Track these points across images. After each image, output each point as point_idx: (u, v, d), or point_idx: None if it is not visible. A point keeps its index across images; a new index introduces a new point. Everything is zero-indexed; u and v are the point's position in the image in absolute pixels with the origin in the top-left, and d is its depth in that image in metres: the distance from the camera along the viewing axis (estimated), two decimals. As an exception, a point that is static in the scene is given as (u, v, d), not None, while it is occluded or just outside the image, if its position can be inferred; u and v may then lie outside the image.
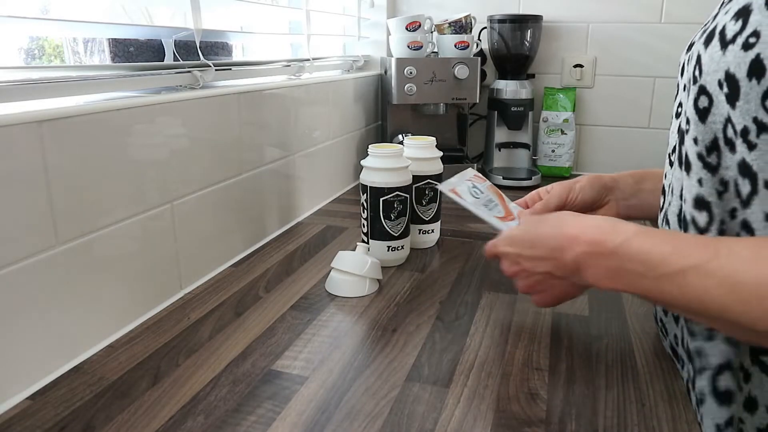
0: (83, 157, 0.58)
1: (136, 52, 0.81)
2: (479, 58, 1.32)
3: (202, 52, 0.79)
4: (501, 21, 1.40)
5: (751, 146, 0.42)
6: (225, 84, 0.86)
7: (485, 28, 1.45)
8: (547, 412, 0.50)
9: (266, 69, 1.01)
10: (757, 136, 0.41)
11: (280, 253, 0.88)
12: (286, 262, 0.85)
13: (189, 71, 0.79)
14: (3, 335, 0.51)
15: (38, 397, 0.52)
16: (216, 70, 0.82)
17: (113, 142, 0.61)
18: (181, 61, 0.80)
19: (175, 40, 0.83)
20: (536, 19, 1.40)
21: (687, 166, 0.49)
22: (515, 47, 1.40)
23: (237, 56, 1.13)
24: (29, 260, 0.53)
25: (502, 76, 1.46)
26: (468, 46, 1.31)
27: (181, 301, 0.72)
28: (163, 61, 0.83)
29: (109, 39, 0.78)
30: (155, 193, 0.68)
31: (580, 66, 1.46)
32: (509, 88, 1.42)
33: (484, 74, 1.49)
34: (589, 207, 0.70)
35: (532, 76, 1.49)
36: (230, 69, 0.90)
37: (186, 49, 0.84)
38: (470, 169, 0.77)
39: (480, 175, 0.76)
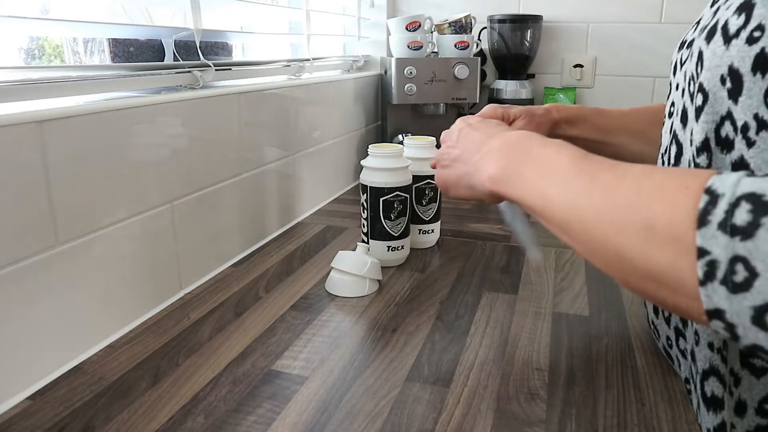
0: (83, 157, 0.58)
1: (136, 52, 0.81)
2: (479, 58, 1.32)
3: (202, 52, 0.79)
4: (501, 21, 1.40)
5: (750, 143, 0.42)
6: (225, 84, 0.86)
7: (485, 28, 1.45)
8: (547, 412, 0.50)
9: (266, 69, 1.01)
10: (757, 133, 0.41)
11: (280, 253, 0.88)
12: (286, 262, 0.85)
13: (189, 71, 0.79)
14: (3, 335, 0.51)
15: (38, 397, 0.52)
16: (216, 70, 0.82)
17: (113, 142, 0.61)
18: (181, 61, 0.80)
19: (175, 40, 0.83)
20: (536, 19, 1.40)
21: (683, 165, 0.49)
22: (515, 47, 1.40)
23: (237, 56, 1.13)
24: (29, 260, 0.53)
25: (502, 76, 1.46)
26: (468, 46, 1.31)
27: (181, 301, 0.72)
28: (163, 61, 0.83)
29: (109, 39, 0.78)
30: (155, 193, 0.68)
31: (580, 66, 1.46)
32: (509, 88, 1.42)
33: (484, 74, 1.49)
34: None
35: (532, 76, 1.49)
36: (230, 69, 0.90)
37: (186, 49, 0.84)
38: None
39: None
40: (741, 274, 0.28)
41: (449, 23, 1.32)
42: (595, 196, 0.39)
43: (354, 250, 0.76)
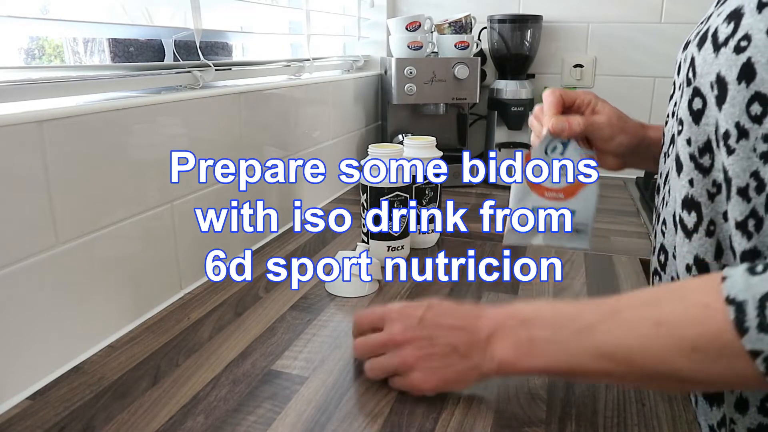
0: (83, 157, 0.58)
1: (136, 52, 0.81)
2: (479, 58, 1.32)
3: (202, 52, 0.79)
4: (501, 21, 1.40)
5: (730, 151, 0.42)
6: (225, 84, 0.86)
7: (485, 28, 1.45)
8: (547, 412, 0.50)
9: (266, 69, 1.01)
10: (737, 141, 0.41)
11: (280, 252, 0.88)
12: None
13: (189, 71, 0.79)
14: (3, 335, 0.51)
15: (38, 397, 0.52)
16: (216, 70, 0.82)
17: (113, 142, 0.61)
18: (181, 61, 0.80)
19: (175, 40, 0.83)
20: (536, 19, 1.40)
21: (678, 167, 0.49)
22: (515, 47, 1.40)
23: (237, 56, 1.13)
24: (29, 260, 0.52)
25: (502, 76, 1.46)
26: (468, 46, 1.31)
27: (181, 301, 0.71)
28: (163, 61, 0.83)
29: (109, 39, 0.78)
30: (155, 193, 0.68)
31: (580, 66, 1.46)
32: (509, 88, 1.42)
33: (484, 74, 1.49)
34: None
35: (532, 76, 1.49)
36: (230, 69, 0.90)
37: (186, 49, 0.84)
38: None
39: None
40: None
41: (449, 23, 1.32)
42: (606, 349, 0.41)
43: (354, 250, 0.76)
